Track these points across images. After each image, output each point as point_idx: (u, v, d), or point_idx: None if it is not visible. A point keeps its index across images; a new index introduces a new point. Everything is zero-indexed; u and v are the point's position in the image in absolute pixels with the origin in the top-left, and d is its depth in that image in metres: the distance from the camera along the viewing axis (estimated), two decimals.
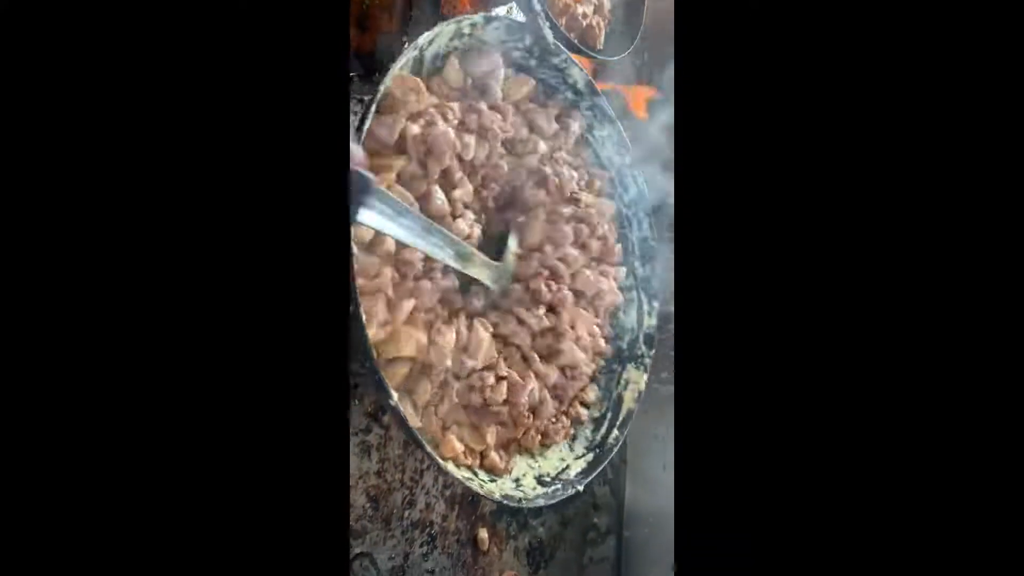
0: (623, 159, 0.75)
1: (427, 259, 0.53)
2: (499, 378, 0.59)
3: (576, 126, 0.70)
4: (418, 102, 0.52)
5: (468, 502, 0.74)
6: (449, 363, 0.53)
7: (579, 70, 0.68)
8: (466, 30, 0.57)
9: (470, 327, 0.58)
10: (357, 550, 0.60)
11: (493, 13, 0.62)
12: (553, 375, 0.65)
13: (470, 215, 0.58)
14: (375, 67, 0.65)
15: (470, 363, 0.56)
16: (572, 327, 0.66)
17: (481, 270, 0.58)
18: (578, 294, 0.68)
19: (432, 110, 0.55)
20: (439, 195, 0.53)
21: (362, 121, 0.48)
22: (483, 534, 0.74)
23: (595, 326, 0.70)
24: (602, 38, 0.84)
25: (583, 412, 0.70)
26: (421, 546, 0.68)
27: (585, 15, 0.78)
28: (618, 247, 0.75)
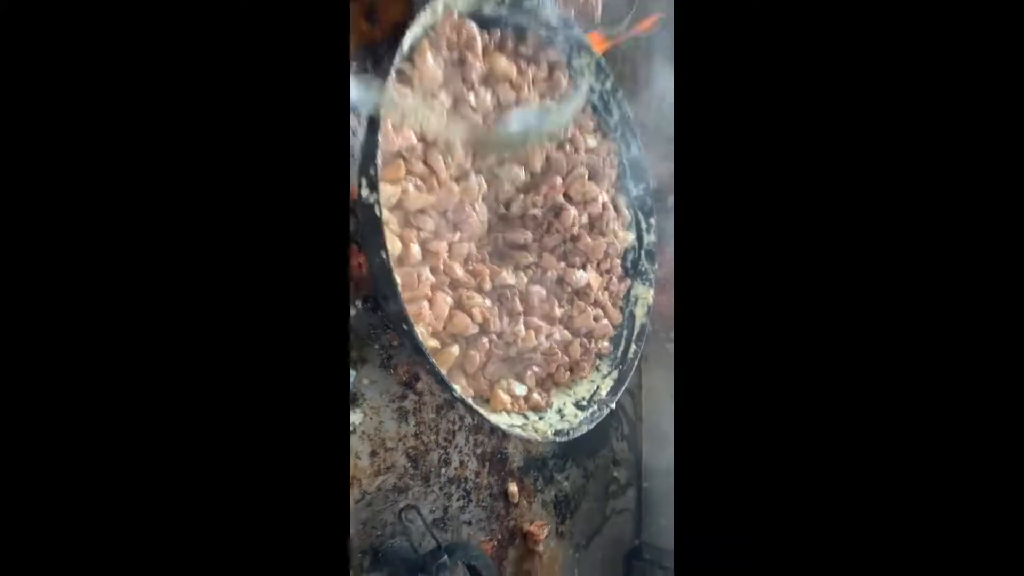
0: (604, 85, 0.77)
1: (451, 247, 0.58)
2: (527, 327, 0.65)
3: (550, 56, 0.71)
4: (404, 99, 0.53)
5: (497, 459, 0.79)
6: (493, 326, 0.58)
7: (551, 6, 0.68)
8: (439, 9, 0.57)
9: (500, 289, 0.62)
10: (402, 504, 0.66)
11: None
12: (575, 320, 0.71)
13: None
14: (384, 58, 0.68)
15: (507, 320, 0.61)
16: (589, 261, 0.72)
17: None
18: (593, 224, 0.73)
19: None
20: (455, 189, 0.57)
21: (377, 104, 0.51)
22: (513, 488, 0.80)
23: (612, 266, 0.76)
24: (599, 11, 0.87)
25: (605, 346, 0.75)
26: (458, 500, 0.73)
27: None
28: (623, 199, 0.79)
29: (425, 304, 0.52)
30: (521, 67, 0.68)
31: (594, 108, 0.79)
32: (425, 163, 0.55)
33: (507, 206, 0.68)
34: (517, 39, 0.69)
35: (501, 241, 0.67)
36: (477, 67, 0.62)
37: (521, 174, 0.68)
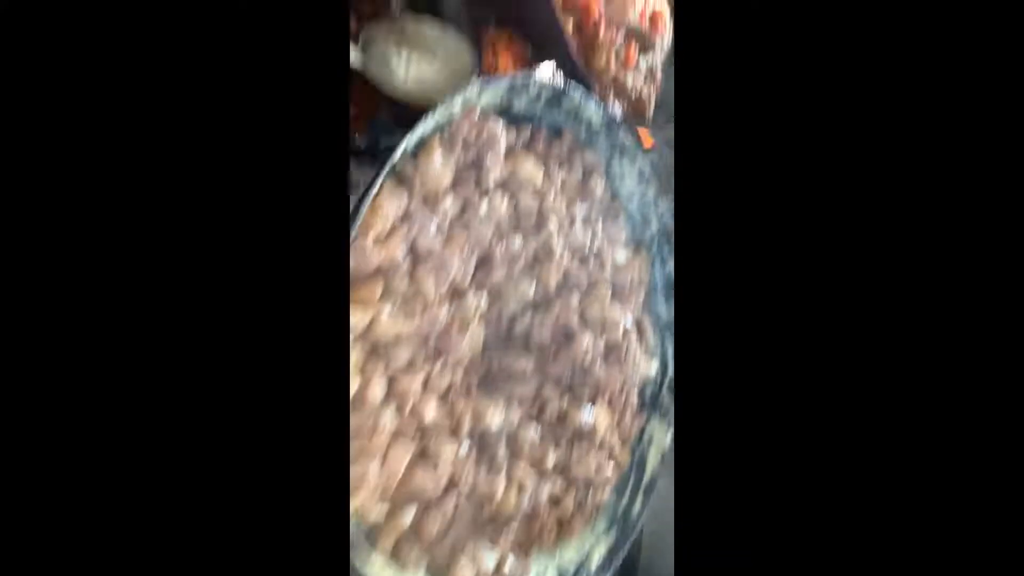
0: (645, 192, 0.67)
1: (428, 379, 0.48)
2: (509, 480, 0.54)
3: (586, 163, 0.63)
4: (398, 207, 0.45)
5: None
6: (465, 482, 0.48)
7: (595, 105, 0.60)
8: (458, 106, 0.49)
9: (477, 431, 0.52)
10: None
11: (537, 72, 0.57)
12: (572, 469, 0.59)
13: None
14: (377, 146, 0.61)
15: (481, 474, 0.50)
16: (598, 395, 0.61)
17: None
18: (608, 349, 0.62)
19: (418, 209, 0.47)
20: (441, 315, 0.47)
21: (356, 209, 0.43)
22: None
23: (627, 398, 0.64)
24: (651, 109, 0.78)
25: (606, 495, 0.63)
26: None
27: (635, 88, 0.73)
28: (649, 320, 0.68)
29: (374, 465, 0.42)
30: (550, 170, 0.59)
31: (629, 217, 0.69)
32: (411, 281, 0.46)
33: (510, 326, 0.58)
34: (550, 138, 0.60)
35: (496, 366, 0.57)
36: (496, 169, 0.53)
37: (531, 291, 0.58)
